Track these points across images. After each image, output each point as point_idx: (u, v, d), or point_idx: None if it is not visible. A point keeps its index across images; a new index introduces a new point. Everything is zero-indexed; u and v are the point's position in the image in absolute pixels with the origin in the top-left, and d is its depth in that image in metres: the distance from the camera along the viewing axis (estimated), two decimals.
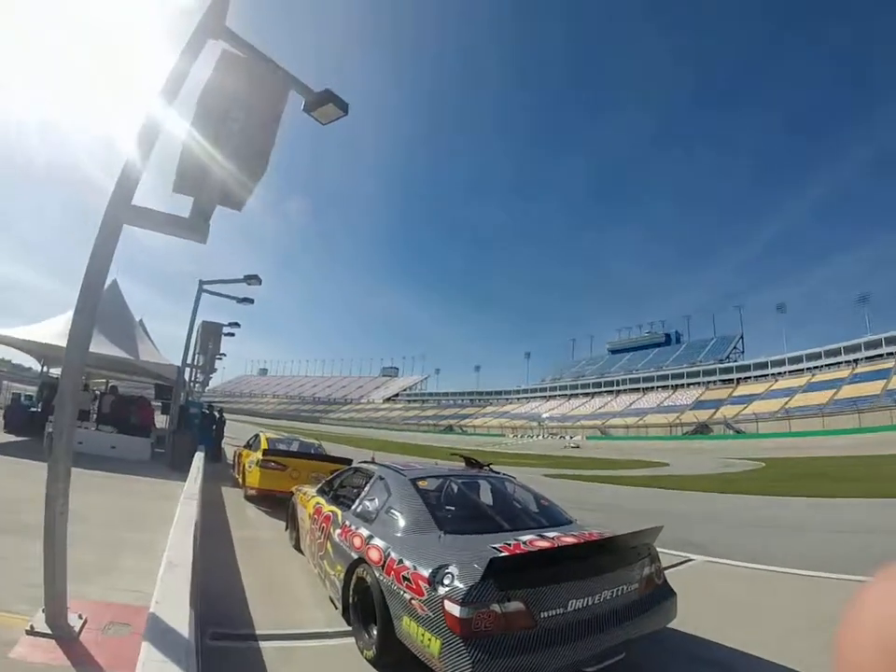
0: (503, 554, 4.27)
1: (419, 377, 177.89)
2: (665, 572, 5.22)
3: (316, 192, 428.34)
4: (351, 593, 5.30)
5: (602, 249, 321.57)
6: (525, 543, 4.68)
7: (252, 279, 20.09)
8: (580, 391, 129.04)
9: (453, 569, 4.08)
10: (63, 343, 12.86)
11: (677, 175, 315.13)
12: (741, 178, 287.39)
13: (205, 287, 21.52)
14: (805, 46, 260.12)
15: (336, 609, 5.80)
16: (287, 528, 9.37)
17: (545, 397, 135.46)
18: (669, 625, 4.96)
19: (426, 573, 4.20)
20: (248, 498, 13.28)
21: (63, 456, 4.03)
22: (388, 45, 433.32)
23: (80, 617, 4.52)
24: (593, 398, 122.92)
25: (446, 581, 4.01)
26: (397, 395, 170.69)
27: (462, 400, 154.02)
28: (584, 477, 27.37)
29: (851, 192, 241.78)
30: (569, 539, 4.92)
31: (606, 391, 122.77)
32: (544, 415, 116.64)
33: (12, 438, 19.16)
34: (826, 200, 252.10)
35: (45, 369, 26.51)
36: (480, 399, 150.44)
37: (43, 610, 4.22)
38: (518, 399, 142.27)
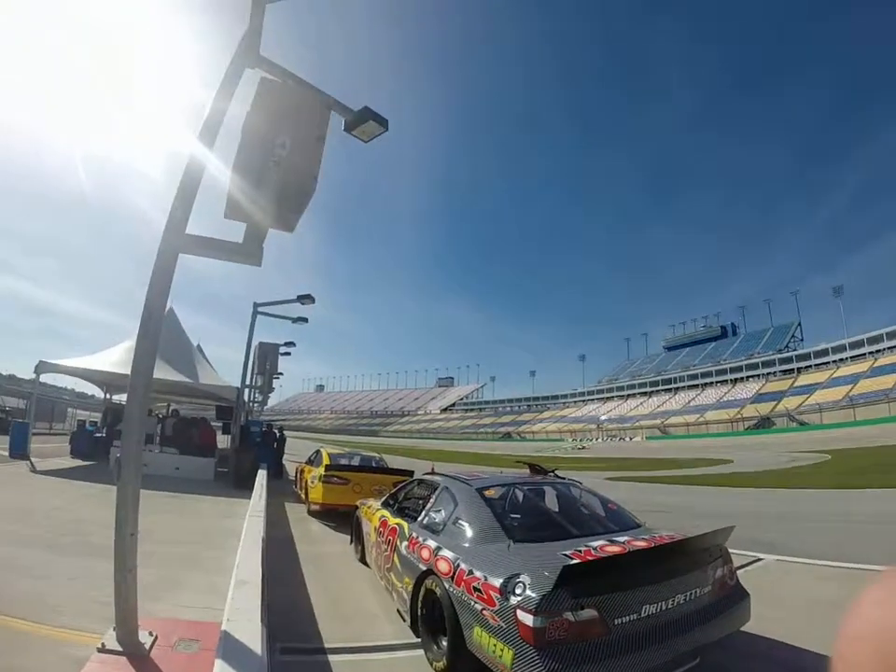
0: (575, 561, 4.21)
1: (475, 385, 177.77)
2: (738, 573, 5.12)
3: (363, 209, 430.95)
4: (420, 605, 5.30)
5: (651, 245, 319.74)
6: (595, 549, 4.62)
7: (306, 299, 20.41)
8: (637, 391, 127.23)
9: (524, 578, 4.04)
10: (124, 371, 13.36)
11: (723, 159, 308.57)
12: (789, 159, 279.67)
13: (260, 309, 21.96)
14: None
15: (404, 621, 5.82)
16: (351, 542, 9.44)
17: (602, 398, 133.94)
18: (743, 628, 4.83)
19: (497, 583, 4.17)
20: (312, 514, 13.42)
21: (131, 481, 4.13)
22: (420, 54, 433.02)
23: (150, 634, 4.59)
24: (650, 397, 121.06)
25: (518, 591, 3.97)
26: (453, 404, 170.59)
27: (519, 407, 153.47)
28: (647, 478, 26.97)
29: None
30: (640, 543, 4.84)
31: (663, 389, 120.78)
32: (602, 417, 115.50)
33: (79, 462, 19.91)
34: (879, 176, 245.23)
35: (108, 395, 27.48)
36: (537, 405, 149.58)
37: (114, 628, 4.30)
38: (575, 402, 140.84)
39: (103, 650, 4.19)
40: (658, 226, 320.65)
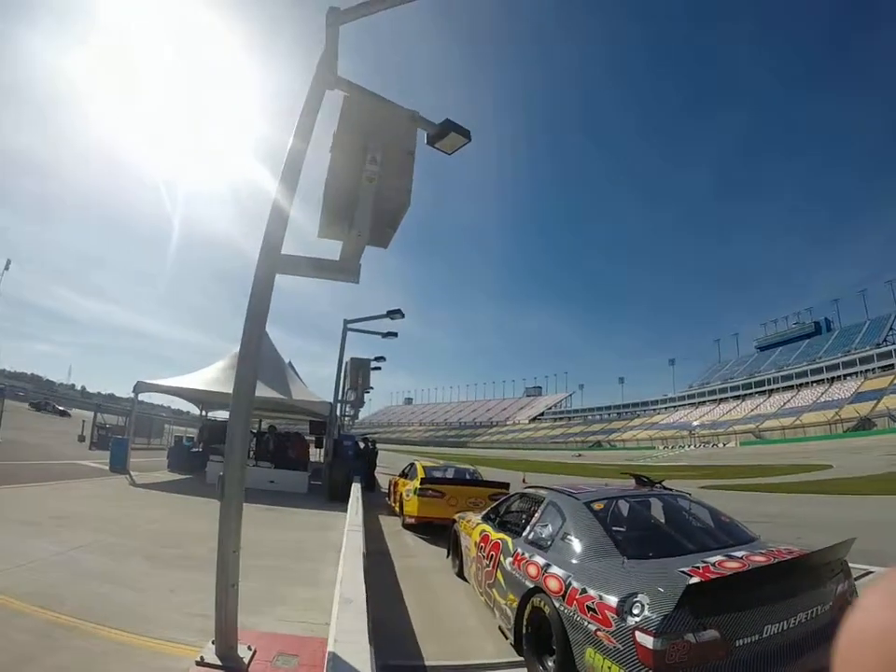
0: (696, 580, 4.00)
1: (563, 394, 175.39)
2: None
3: (445, 219, 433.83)
4: (525, 623, 5.18)
5: (737, 240, 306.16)
6: (714, 566, 4.39)
7: (395, 313, 20.68)
8: (729, 394, 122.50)
9: (642, 598, 3.89)
10: (218, 389, 13.89)
11: (814, 126, 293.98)
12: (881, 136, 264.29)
13: (350, 325, 22.37)
14: None
15: (506, 639, 5.73)
16: (448, 556, 9.40)
17: (694, 404, 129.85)
18: None
19: (613, 602, 4.02)
20: (406, 527, 13.47)
21: (235, 498, 4.19)
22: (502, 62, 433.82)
23: (249, 648, 4.63)
24: (744, 400, 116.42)
25: (636, 611, 3.82)
26: (542, 414, 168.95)
27: (609, 415, 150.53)
28: (743, 486, 26.03)
29: None
30: (759, 559, 4.59)
31: (757, 392, 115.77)
32: (694, 423, 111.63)
33: (176, 476, 20.71)
34: None
35: (203, 412, 28.53)
36: (626, 412, 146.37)
37: (213, 642, 4.36)
38: (666, 408, 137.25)
39: (202, 663, 4.25)
40: (743, 218, 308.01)
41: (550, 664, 4.58)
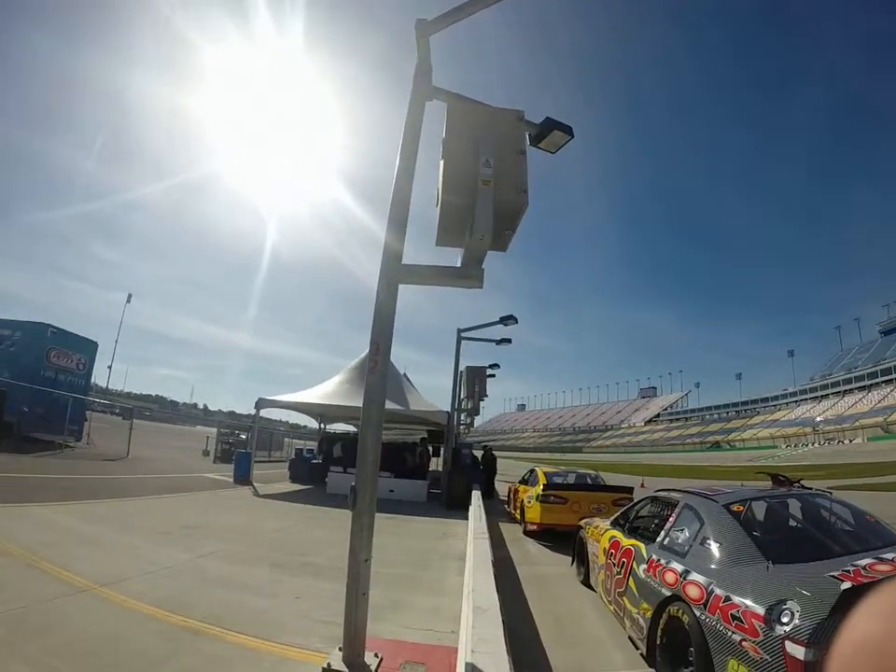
0: (849, 585, 3.68)
1: (679, 394, 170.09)
2: None
3: (549, 221, 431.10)
4: (659, 633, 4.99)
5: (851, 215, 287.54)
6: (864, 569, 4.03)
7: (508, 319, 20.85)
8: (854, 385, 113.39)
9: (792, 605, 3.64)
10: (336, 402, 14.45)
11: None
12: None
13: (463, 334, 22.61)
14: None
15: (637, 649, 5.56)
16: (573, 563, 9.25)
17: (816, 397, 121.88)
18: None
19: (760, 610, 3.79)
20: (527, 534, 13.39)
21: (366, 509, 4.24)
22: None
23: (376, 656, 4.62)
24: (870, 391, 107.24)
25: (785, 619, 3.59)
26: (657, 415, 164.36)
27: (727, 413, 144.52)
28: (876, 486, 24.41)
29: None
30: None
31: (884, 381, 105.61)
32: (818, 419, 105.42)
33: (297, 486, 21.56)
34: None
35: (322, 425, 29.47)
36: (745, 410, 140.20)
37: (340, 648, 4.37)
38: (787, 404, 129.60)
39: (329, 669, 4.25)
40: (858, 187, 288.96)
41: None
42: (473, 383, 25.80)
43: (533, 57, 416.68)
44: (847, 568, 4.01)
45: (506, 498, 19.10)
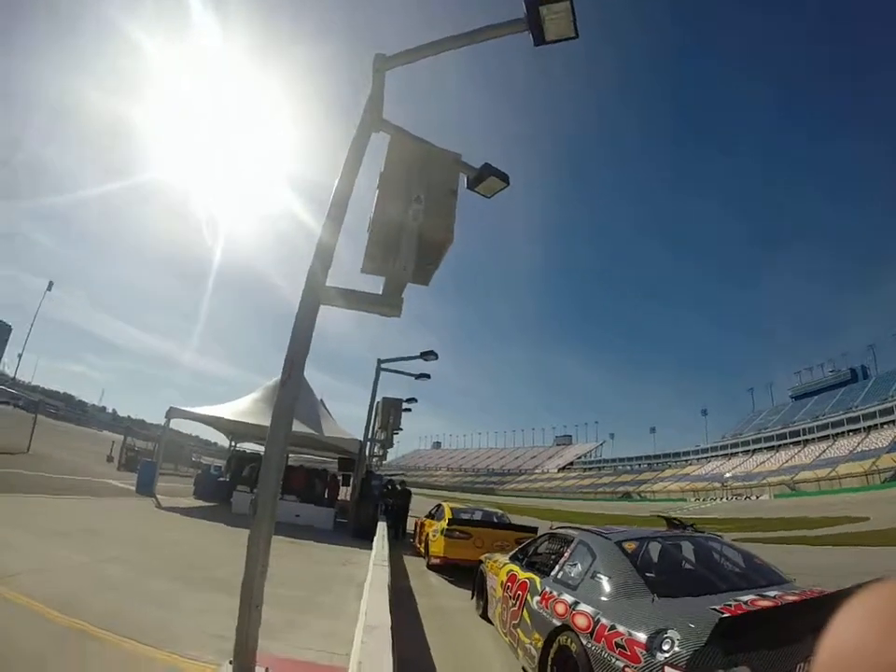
0: (727, 615, 3.91)
1: (593, 444, 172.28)
2: None
3: (477, 264, 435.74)
4: (549, 662, 5.14)
5: (768, 286, 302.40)
6: (745, 604, 4.30)
7: (429, 355, 20.92)
8: (763, 445, 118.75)
9: (672, 634, 3.84)
10: (251, 420, 14.23)
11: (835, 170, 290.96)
12: None
13: (383, 365, 22.67)
14: None
15: None
16: (473, 596, 9.35)
17: (726, 455, 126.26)
18: None
19: (642, 638, 3.98)
20: (431, 567, 13.39)
21: (266, 518, 4.26)
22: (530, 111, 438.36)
23: (267, 671, 4.61)
24: (778, 451, 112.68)
25: (665, 647, 3.78)
26: (571, 463, 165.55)
27: (639, 465, 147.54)
28: (778, 539, 25.40)
29: None
30: (793, 598, 4.50)
31: (791, 442, 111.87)
32: (727, 475, 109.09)
33: (201, 503, 21.20)
34: None
35: (232, 443, 28.93)
36: (657, 463, 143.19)
37: (230, 662, 4.31)
38: (698, 459, 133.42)
39: None
40: (775, 265, 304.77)
41: None
42: (389, 414, 25.75)
43: (491, 102, 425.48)
44: (729, 603, 4.28)
45: (413, 532, 19.09)
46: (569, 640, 4.86)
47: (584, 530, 6.65)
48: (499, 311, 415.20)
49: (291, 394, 4.42)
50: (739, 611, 4.13)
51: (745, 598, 4.46)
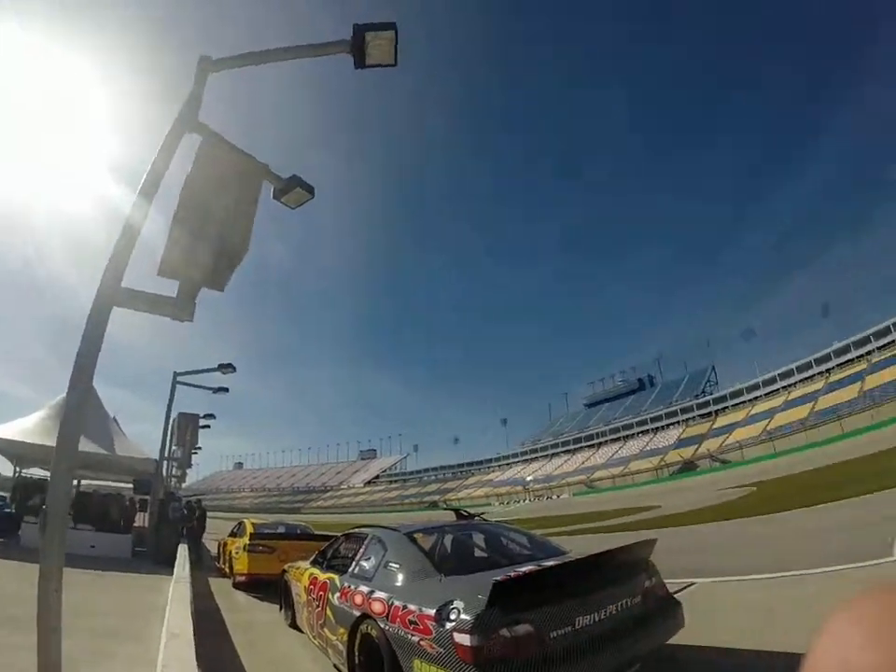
0: (502, 579, 4.23)
1: (398, 457, 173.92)
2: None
3: (281, 279, 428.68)
4: (356, 653, 5.28)
5: (564, 306, 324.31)
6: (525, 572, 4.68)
7: (226, 367, 20.23)
8: (560, 449, 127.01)
9: (458, 604, 4.12)
10: (38, 441, 12.98)
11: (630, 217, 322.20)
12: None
13: (180, 378, 21.67)
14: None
15: None
16: (281, 609, 9.23)
17: (527, 460, 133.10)
18: (686, 641, 5.19)
19: (431, 612, 4.24)
20: (237, 586, 13.05)
21: (57, 530, 4.03)
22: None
23: None
24: (574, 454, 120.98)
25: (452, 616, 4.05)
26: (377, 477, 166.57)
27: (444, 475, 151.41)
28: (579, 531, 26.90)
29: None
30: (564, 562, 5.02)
31: (587, 446, 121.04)
32: (528, 478, 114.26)
33: None
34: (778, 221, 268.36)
35: (17, 470, 26.12)
36: (461, 472, 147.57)
37: None
38: (500, 466, 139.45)
39: None
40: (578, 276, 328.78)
41: None
42: (186, 430, 24.60)
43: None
44: (509, 574, 4.63)
45: (216, 554, 18.44)
46: (370, 627, 5.04)
47: (377, 526, 6.96)
48: (304, 326, 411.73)
49: (79, 400, 4.23)
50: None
51: (524, 569, 4.88)
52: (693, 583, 9.05)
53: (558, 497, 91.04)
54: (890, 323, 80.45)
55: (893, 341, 79.03)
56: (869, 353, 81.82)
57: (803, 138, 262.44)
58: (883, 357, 76.50)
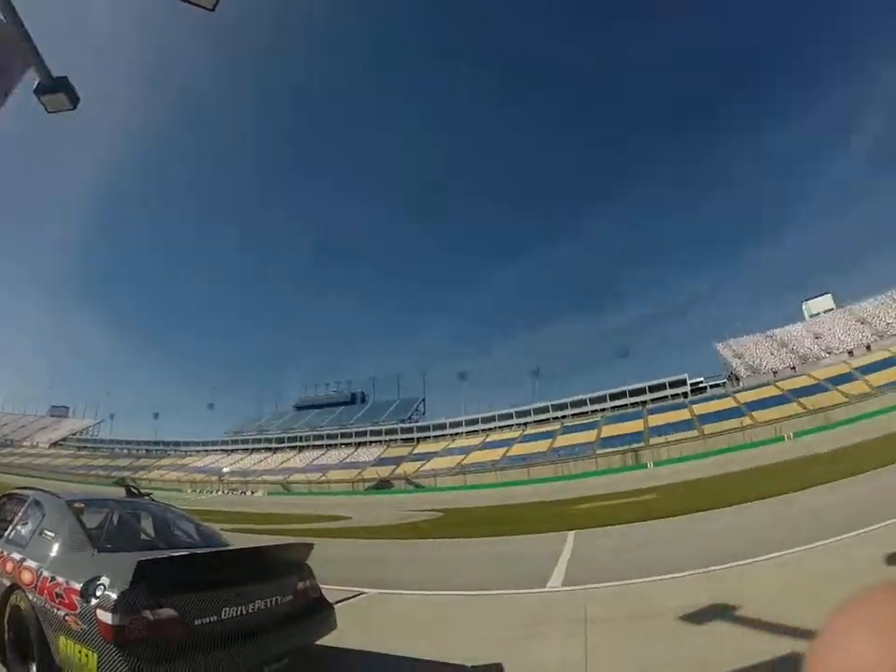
0: (146, 559, 4.12)
1: (92, 421, 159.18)
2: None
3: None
4: (6, 627, 4.86)
5: (299, 312, 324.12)
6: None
7: None
8: (262, 446, 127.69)
9: (104, 580, 3.98)
10: None
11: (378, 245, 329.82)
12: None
13: None
14: None
15: None
16: None
17: (227, 450, 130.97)
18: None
19: (78, 586, 4.07)
20: None
21: None
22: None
23: None
24: (275, 453, 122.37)
25: (98, 593, 3.91)
26: (65, 439, 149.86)
27: (138, 450, 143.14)
28: (271, 531, 26.81)
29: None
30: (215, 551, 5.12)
31: (289, 447, 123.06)
32: (225, 469, 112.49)
33: None
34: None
35: None
36: (157, 450, 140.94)
37: None
38: (198, 451, 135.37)
39: None
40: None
41: (34, 667, 4.35)
42: None
43: None
44: (164, 557, 4.57)
45: None
46: (19, 598, 4.72)
47: (39, 490, 6.46)
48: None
49: None
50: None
51: (178, 553, 4.87)
52: (363, 592, 9.40)
53: (252, 493, 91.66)
54: (587, 397, 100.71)
55: (585, 412, 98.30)
56: (564, 416, 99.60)
57: None
58: (574, 423, 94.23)
